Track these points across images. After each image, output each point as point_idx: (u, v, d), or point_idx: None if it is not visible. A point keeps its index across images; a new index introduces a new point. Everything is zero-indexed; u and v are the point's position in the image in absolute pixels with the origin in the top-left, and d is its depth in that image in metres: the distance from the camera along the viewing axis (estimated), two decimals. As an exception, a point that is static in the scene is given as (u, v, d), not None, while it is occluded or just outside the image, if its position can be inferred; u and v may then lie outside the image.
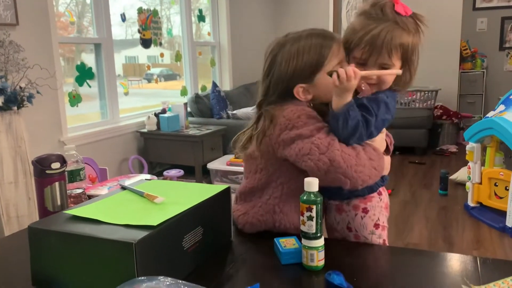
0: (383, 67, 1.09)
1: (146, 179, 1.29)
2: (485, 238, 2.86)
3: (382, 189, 1.21)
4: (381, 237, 1.19)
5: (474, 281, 0.87)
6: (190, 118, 4.24)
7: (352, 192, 1.14)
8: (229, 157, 3.85)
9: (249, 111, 4.41)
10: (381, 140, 1.17)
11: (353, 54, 1.10)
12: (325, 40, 1.10)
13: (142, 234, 0.82)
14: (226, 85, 5.28)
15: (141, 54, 4.28)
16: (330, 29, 5.89)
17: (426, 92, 5.06)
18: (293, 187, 1.11)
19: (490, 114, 3.17)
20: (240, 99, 4.89)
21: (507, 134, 2.82)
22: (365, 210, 1.18)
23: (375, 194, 1.19)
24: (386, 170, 1.17)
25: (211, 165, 3.80)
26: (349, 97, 1.04)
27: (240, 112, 4.43)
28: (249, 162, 1.18)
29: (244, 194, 1.19)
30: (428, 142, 5.03)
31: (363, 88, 1.08)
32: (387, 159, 1.19)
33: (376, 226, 1.18)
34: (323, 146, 1.02)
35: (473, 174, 3.21)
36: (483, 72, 6.03)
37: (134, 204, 1.00)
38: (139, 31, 4.06)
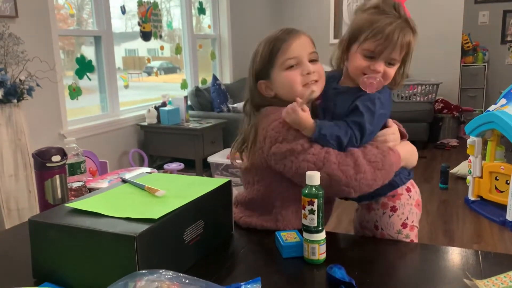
0: (391, 62, 1.08)
1: (146, 172, 1.29)
2: (485, 232, 2.86)
3: (411, 185, 1.18)
4: (408, 237, 1.17)
5: (476, 275, 0.87)
6: (190, 112, 4.23)
7: (375, 191, 1.08)
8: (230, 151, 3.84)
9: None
10: (393, 134, 1.13)
11: (363, 46, 1.07)
12: (282, 34, 1.11)
13: (143, 227, 0.82)
14: (226, 78, 5.26)
15: (141, 47, 4.26)
16: (331, 21, 5.87)
17: (427, 86, 5.05)
18: (292, 195, 1.09)
19: (492, 108, 3.16)
20: (241, 93, 4.86)
21: (508, 128, 2.81)
22: (394, 209, 1.15)
23: (403, 191, 1.16)
24: (410, 162, 1.14)
25: (211, 159, 3.80)
26: (307, 124, 1.03)
27: (241, 105, 4.40)
28: (245, 174, 1.19)
29: (245, 204, 1.19)
30: (429, 135, 5.03)
31: (374, 82, 1.06)
32: (408, 148, 1.14)
33: (404, 225, 1.16)
34: (319, 162, 1.01)
35: (473, 168, 3.20)
36: (485, 65, 6.01)
37: (135, 197, 1.00)
38: (139, 24, 4.04)
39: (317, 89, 1.08)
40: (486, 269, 0.91)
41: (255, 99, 1.16)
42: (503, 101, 3.11)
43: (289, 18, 6.01)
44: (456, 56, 5.54)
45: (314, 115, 1.08)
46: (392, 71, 1.09)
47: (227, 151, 3.90)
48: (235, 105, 4.46)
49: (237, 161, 1.20)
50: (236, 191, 1.27)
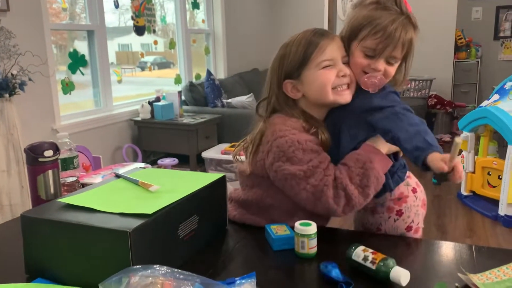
0: (391, 60, 1.06)
1: (140, 168, 1.28)
2: (478, 226, 2.88)
3: (416, 185, 1.17)
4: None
5: (470, 269, 0.87)
6: (184, 107, 4.21)
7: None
8: (224, 146, 3.84)
9: (244, 99, 4.39)
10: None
11: (364, 43, 1.05)
12: (315, 36, 1.08)
13: (137, 222, 0.81)
14: (220, 73, 5.24)
15: (135, 42, 4.23)
16: (325, 17, 5.85)
17: (420, 81, 5.07)
18: (290, 201, 1.08)
19: (484, 103, 3.18)
20: (235, 88, 4.86)
21: (501, 124, 2.83)
22: (399, 213, 1.13)
23: (409, 192, 1.14)
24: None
25: (205, 154, 3.79)
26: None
27: (235, 100, 4.41)
28: (243, 177, 1.18)
29: (239, 202, 1.18)
30: (422, 131, 5.04)
31: (375, 81, 1.04)
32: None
33: (408, 228, 1.15)
34: (317, 193, 1.00)
35: (466, 163, 3.22)
36: (478, 61, 6.04)
37: (129, 192, 0.99)
38: (132, 18, 4.01)
39: (348, 95, 1.09)
40: (479, 263, 0.91)
41: (276, 99, 1.13)
42: (495, 96, 3.13)
43: (283, 13, 5.99)
44: (450, 52, 5.56)
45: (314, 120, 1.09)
46: (392, 69, 1.08)
47: (221, 146, 3.90)
48: (229, 100, 4.45)
49: (238, 158, 1.19)
50: (231, 187, 1.26)
